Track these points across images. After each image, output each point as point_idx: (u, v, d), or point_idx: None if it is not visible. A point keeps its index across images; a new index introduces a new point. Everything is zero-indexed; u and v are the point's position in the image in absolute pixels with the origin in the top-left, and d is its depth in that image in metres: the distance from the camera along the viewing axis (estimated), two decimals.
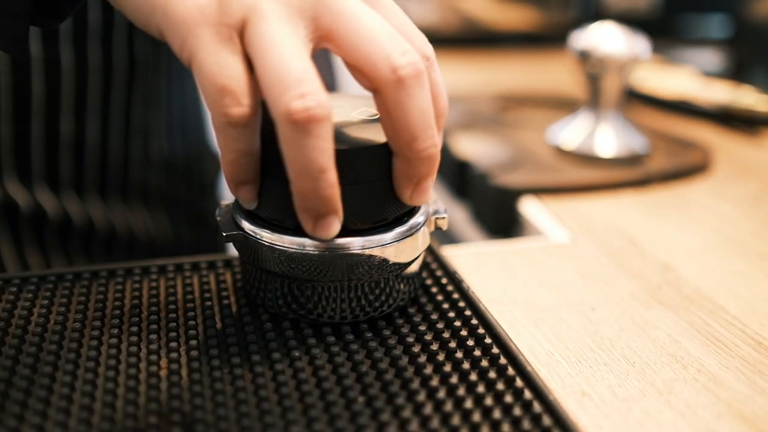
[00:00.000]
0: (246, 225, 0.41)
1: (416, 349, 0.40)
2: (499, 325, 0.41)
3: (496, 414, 0.35)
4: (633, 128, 0.73)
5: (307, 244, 0.40)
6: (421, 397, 0.36)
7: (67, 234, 0.68)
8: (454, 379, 0.37)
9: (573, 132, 0.73)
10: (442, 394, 0.36)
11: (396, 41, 0.37)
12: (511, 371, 0.38)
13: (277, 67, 0.35)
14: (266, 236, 0.40)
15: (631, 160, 0.70)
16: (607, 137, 0.72)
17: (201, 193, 0.82)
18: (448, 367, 0.38)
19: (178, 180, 0.78)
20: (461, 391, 0.36)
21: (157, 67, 0.72)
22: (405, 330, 0.41)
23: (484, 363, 0.38)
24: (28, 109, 0.64)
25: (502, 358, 0.39)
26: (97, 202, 0.69)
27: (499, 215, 0.65)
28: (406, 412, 0.35)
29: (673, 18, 1.28)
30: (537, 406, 0.35)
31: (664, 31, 1.27)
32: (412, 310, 0.43)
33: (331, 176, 0.36)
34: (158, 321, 0.42)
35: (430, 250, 0.49)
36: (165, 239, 0.76)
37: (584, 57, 0.71)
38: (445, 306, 0.44)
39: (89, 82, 0.66)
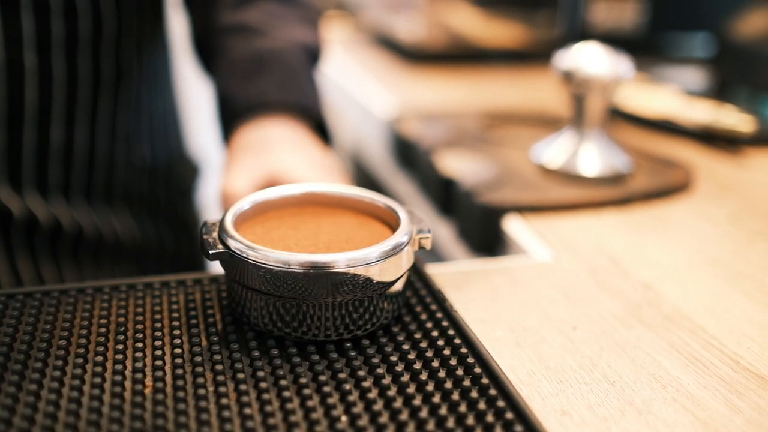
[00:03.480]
0: (232, 243, 0.42)
1: (400, 368, 0.40)
2: (481, 345, 0.42)
3: None
4: (616, 147, 0.74)
5: (292, 263, 0.40)
6: (404, 416, 0.36)
7: (57, 240, 0.69)
8: (436, 399, 0.38)
9: (557, 151, 0.74)
10: (424, 413, 0.37)
11: None
12: (493, 391, 0.38)
13: None
14: (252, 255, 0.41)
15: (614, 179, 0.71)
16: (591, 156, 0.73)
17: (180, 199, 0.83)
18: (430, 387, 0.39)
19: (160, 185, 0.79)
20: (443, 410, 0.37)
21: (140, 75, 0.73)
22: (389, 349, 0.42)
23: (467, 382, 0.39)
24: (20, 118, 0.65)
25: (484, 377, 0.39)
26: (84, 208, 0.70)
27: (483, 233, 0.66)
28: (389, 431, 0.35)
29: (657, 36, 1.29)
30: (518, 426, 0.36)
31: (648, 49, 1.28)
32: (396, 329, 0.44)
33: None
34: (144, 339, 0.42)
35: (414, 269, 0.50)
36: (148, 243, 0.77)
37: (568, 77, 0.72)
38: (429, 325, 0.44)
39: (79, 90, 0.67)
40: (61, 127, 0.67)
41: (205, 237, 0.43)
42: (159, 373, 0.39)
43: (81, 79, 0.67)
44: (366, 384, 0.38)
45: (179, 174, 0.84)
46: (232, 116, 0.65)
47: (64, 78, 0.65)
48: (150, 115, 0.77)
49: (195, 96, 1.17)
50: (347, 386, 0.38)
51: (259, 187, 0.58)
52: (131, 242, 0.74)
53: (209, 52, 0.71)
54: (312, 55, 0.70)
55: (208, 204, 0.98)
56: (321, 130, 0.67)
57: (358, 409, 0.37)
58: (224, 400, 0.37)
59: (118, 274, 0.74)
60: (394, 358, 0.41)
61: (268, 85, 0.64)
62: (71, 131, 0.68)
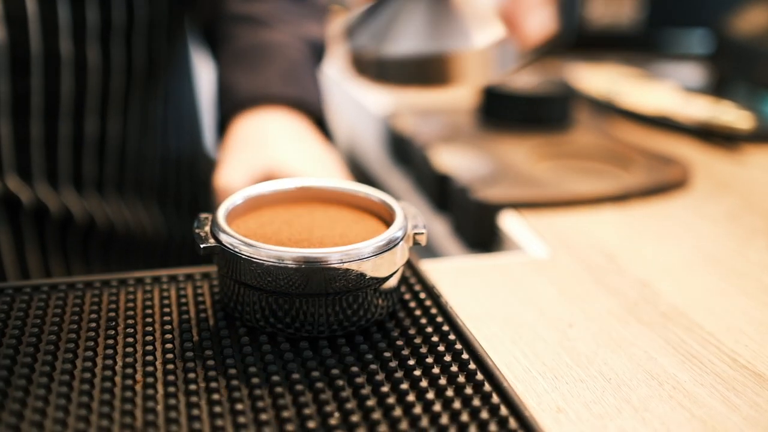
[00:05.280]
0: (224, 238, 0.41)
1: (393, 364, 0.40)
2: (476, 341, 0.41)
3: (472, 430, 0.35)
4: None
5: (285, 258, 0.40)
6: (398, 412, 0.36)
7: (90, 235, 0.69)
8: (430, 395, 0.37)
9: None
10: (418, 409, 0.36)
11: None
12: (487, 387, 0.38)
13: None
14: (244, 249, 0.40)
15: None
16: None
17: (202, 191, 0.84)
18: (424, 383, 0.38)
19: (185, 178, 0.80)
20: (437, 407, 0.36)
21: (168, 66, 0.73)
22: (383, 345, 0.41)
23: (461, 378, 0.38)
24: (56, 110, 0.64)
25: (478, 373, 0.39)
26: (116, 202, 0.70)
27: (479, 229, 0.65)
28: (382, 428, 0.35)
29: (655, 33, 1.29)
30: (512, 423, 0.35)
31: (646, 45, 1.27)
32: (390, 325, 0.43)
33: None
34: (134, 334, 0.42)
35: (409, 265, 0.49)
36: (172, 237, 0.77)
37: None
38: (423, 321, 0.44)
39: (112, 80, 0.67)
40: (96, 119, 0.67)
41: (197, 231, 0.43)
42: (150, 368, 0.39)
43: (114, 69, 0.67)
44: (359, 380, 0.38)
45: (200, 166, 0.84)
46: (231, 105, 0.64)
47: (98, 68, 0.65)
48: (176, 107, 0.77)
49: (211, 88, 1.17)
50: (340, 382, 0.38)
51: (256, 180, 0.57)
52: (157, 236, 0.74)
53: (216, 39, 0.71)
54: (317, 51, 0.70)
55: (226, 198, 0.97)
56: (321, 126, 0.67)
57: (351, 405, 0.36)
58: (215, 396, 0.37)
59: (143, 268, 0.74)
60: (388, 354, 0.40)
61: (270, 76, 0.64)
62: (105, 123, 0.68)
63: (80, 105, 0.66)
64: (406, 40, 0.36)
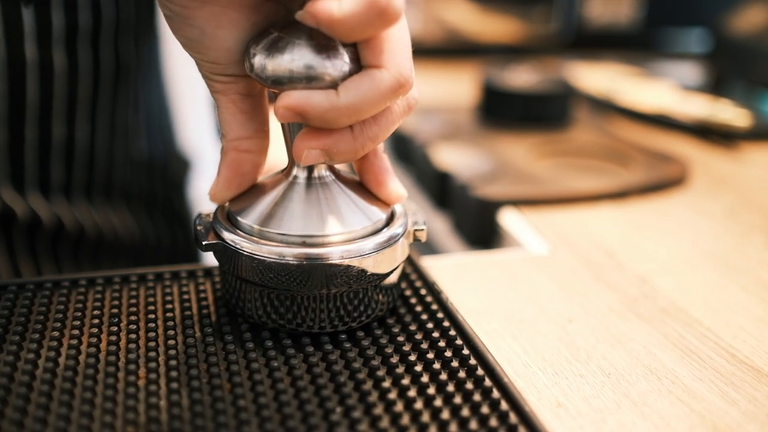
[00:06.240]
0: (225, 235, 0.41)
1: (394, 359, 0.40)
2: (476, 336, 0.42)
3: (473, 425, 0.35)
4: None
5: (286, 254, 0.40)
6: (399, 407, 0.36)
7: (58, 240, 0.68)
8: (431, 390, 0.37)
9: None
10: (419, 404, 0.36)
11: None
12: (488, 382, 0.38)
13: None
14: (246, 246, 0.40)
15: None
16: None
17: (175, 193, 0.83)
18: (425, 378, 0.38)
19: (157, 180, 0.79)
20: (438, 402, 0.37)
21: (137, 67, 0.73)
22: (383, 341, 0.42)
23: (462, 374, 0.39)
24: (22, 114, 0.64)
25: (479, 369, 0.39)
26: (84, 206, 0.69)
27: (479, 226, 0.66)
28: (384, 423, 0.35)
29: (653, 32, 1.29)
30: (513, 417, 0.36)
31: (645, 44, 1.28)
32: (390, 321, 0.44)
33: None
34: (137, 330, 0.42)
35: (409, 261, 0.50)
36: (146, 240, 0.76)
37: None
38: (424, 317, 0.44)
39: (79, 84, 0.66)
40: (62, 123, 0.66)
41: (198, 228, 0.43)
42: (152, 365, 0.39)
43: (81, 72, 0.66)
44: (361, 375, 0.38)
45: (173, 168, 0.83)
46: None
47: (64, 71, 0.65)
48: (146, 109, 0.77)
49: (185, 88, 1.17)
50: (342, 378, 0.38)
51: None
52: (130, 240, 0.74)
53: None
54: None
55: (200, 198, 0.97)
56: None
57: (353, 400, 0.37)
58: (218, 392, 0.37)
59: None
60: (389, 350, 0.41)
61: None
62: (72, 127, 0.67)
63: (46, 109, 0.65)
64: (290, 223, 0.41)
